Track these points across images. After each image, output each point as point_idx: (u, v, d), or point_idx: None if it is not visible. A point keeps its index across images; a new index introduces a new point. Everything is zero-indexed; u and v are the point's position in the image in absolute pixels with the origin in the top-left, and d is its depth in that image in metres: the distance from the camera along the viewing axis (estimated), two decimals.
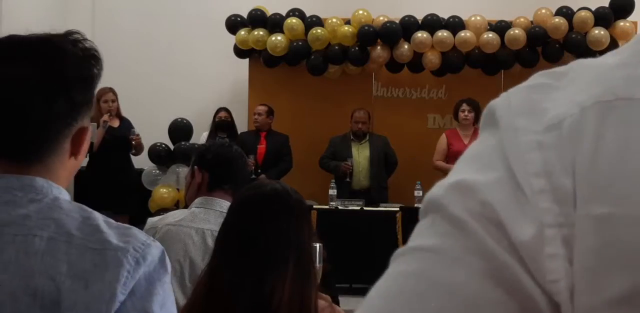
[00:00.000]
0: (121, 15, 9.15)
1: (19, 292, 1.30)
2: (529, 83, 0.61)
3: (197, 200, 2.75)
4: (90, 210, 1.39)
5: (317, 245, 2.23)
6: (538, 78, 0.62)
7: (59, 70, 1.36)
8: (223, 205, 2.66)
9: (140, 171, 7.85)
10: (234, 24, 8.52)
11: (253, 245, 2.02)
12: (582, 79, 0.59)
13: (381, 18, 8.35)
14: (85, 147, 1.43)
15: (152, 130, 7.83)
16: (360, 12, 8.40)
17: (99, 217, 1.38)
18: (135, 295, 1.32)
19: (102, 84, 1.50)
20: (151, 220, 2.78)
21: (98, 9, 9.29)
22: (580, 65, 0.61)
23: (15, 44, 1.38)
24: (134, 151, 7.62)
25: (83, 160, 1.47)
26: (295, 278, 1.99)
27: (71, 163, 1.43)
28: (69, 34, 1.41)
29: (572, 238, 0.53)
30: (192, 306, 2.01)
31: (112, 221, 1.40)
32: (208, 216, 2.68)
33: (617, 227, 0.51)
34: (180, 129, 7.92)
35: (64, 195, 1.40)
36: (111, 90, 7.38)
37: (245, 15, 8.51)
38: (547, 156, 0.55)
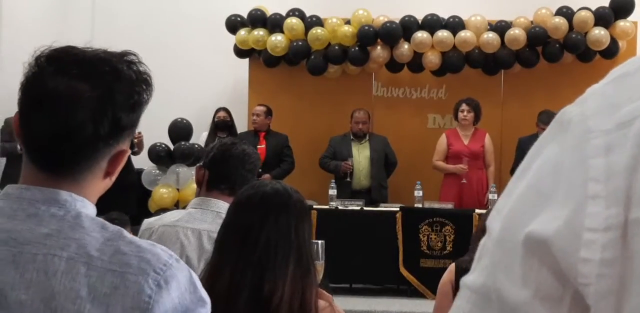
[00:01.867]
0: (121, 15, 9.14)
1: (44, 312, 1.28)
2: (605, 80, 0.61)
3: (194, 201, 2.75)
4: (112, 227, 1.37)
5: (320, 242, 2.23)
6: (613, 72, 0.61)
7: (110, 90, 1.35)
8: (220, 205, 2.66)
9: (140, 171, 7.84)
10: (234, 24, 8.53)
11: (253, 244, 2.02)
12: None
13: (381, 18, 8.35)
14: (120, 168, 1.43)
15: (152, 130, 7.82)
16: (360, 12, 8.40)
17: (121, 235, 1.35)
18: None
19: None
20: (147, 221, 2.78)
21: (98, 9, 9.29)
22: None
23: (73, 57, 1.38)
24: (135, 149, 7.59)
25: (113, 180, 1.46)
26: (295, 278, 1.99)
27: (104, 183, 1.43)
28: (125, 54, 1.41)
29: (626, 241, 0.52)
30: None
31: (135, 238, 1.36)
32: (204, 216, 2.67)
33: None
34: (180, 129, 7.90)
35: (88, 209, 1.38)
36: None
37: (245, 15, 8.51)
38: (611, 160, 0.54)
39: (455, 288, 2.92)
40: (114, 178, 1.43)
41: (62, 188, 1.36)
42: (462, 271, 2.92)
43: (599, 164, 0.55)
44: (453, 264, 3.11)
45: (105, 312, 1.27)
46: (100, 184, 1.42)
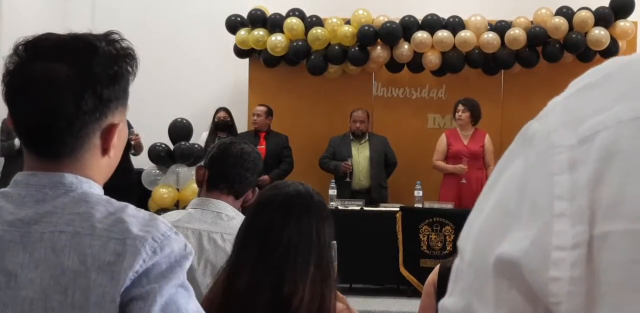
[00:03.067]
0: (121, 15, 9.13)
1: (50, 290, 1.32)
2: (567, 92, 0.61)
3: (194, 201, 2.74)
4: (117, 203, 1.40)
5: (333, 243, 2.23)
6: (574, 84, 0.61)
7: (87, 65, 1.38)
8: (220, 206, 2.64)
9: (140, 171, 7.84)
10: (234, 24, 8.52)
11: (274, 244, 2.01)
12: (621, 79, 0.58)
13: (381, 18, 8.35)
14: (117, 143, 1.45)
15: (152, 130, 7.82)
16: (360, 12, 8.40)
17: (125, 208, 1.39)
18: (149, 277, 1.32)
19: None
20: None
21: (98, 9, 9.29)
22: (618, 63, 0.60)
23: (48, 41, 1.41)
24: (133, 151, 7.61)
25: (118, 159, 1.49)
26: (315, 280, 1.98)
27: (105, 161, 1.45)
28: (108, 34, 1.44)
29: (591, 257, 0.52)
30: (210, 303, 2.00)
31: (141, 211, 1.40)
32: (204, 217, 2.66)
33: None
34: (180, 129, 7.90)
35: (94, 189, 1.42)
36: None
37: (245, 15, 8.51)
38: (575, 177, 0.54)
39: (438, 288, 2.93)
40: (113, 154, 1.45)
41: (66, 171, 1.40)
42: (446, 271, 2.92)
43: (563, 181, 0.55)
44: (438, 265, 3.12)
45: (111, 279, 1.31)
46: (101, 162, 1.44)
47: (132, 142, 7.44)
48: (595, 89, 0.59)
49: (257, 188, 2.70)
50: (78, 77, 1.37)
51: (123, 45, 1.44)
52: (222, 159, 2.69)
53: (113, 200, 1.41)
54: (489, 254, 0.57)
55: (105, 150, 1.43)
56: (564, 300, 0.53)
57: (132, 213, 1.38)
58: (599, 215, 0.53)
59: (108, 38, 1.43)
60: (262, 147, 7.87)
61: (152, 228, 1.36)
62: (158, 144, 7.76)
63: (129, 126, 7.57)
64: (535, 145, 0.58)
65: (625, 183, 0.52)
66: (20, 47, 1.41)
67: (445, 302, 0.61)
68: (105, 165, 1.46)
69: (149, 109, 8.51)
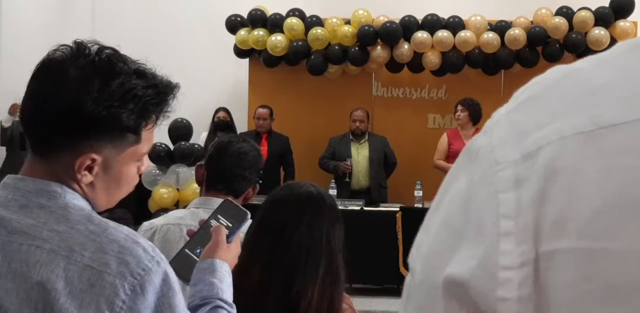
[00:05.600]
0: (121, 15, 9.14)
1: (23, 303, 1.30)
2: (511, 104, 0.59)
3: (196, 201, 2.73)
4: (99, 220, 1.38)
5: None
6: (518, 95, 0.59)
7: (86, 89, 1.37)
8: None
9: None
10: (234, 24, 8.53)
11: (286, 244, 2.01)
12: (563, 92, 0.56)
13: (381, 18, 8.35)
14: (98, 178, 1.42)
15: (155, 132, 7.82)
16: (360, 12, 8.40)
17: (106, 229, 1.36)
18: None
19: None
20: (146, 222, 2.75)
21: (98, 10, 9.29)
22: (560, 73, 0.58)
23: (105, 54, 1.42)
24: None
25: (109, 198, 1.47)
26: (325, 284, 1.98)
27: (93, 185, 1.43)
28: (163, 81, 1.48)
29: (538, 276, 0.52)
30: None
31: (122, 231, 1.37)
32: (207, 215, 2.65)
33: (596, 261, 0.50)
34: (180, 129, 7.89)
35: (79, 201, 1.40)
36: None
37: (245, 15, 8.51)
38: (520, 194, 0.53)
39: None
40: (99, 186, 1.42)
41: (57, 176, 1.39)
42: None
43: (509, 199, 0.54)
44: None
45: (79, 307, 1.28)
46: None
47: None
48: (538, 102, 0.57)
49: (257, 185, 2.69)
50: (70, 94, 1.36)
51: (129, 68, 1.42)
52: (218, 160, 2.67)
53: (95, 217, 1.38)
54: (438, 274, 0.56)
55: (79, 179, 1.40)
56: None
57: (113, 236, 1.35)
58: (545, 233, 0.52)
59: (154, 78, 1.44)
60: (263, 149, 7.87)
61: (132, 259, 1.33)
62: (158, 144, 7.76)
63: None
64: (480, 161, 0.57)
65: (569, 200, 0.51)
66: (58, 49, 1.41)
67: None
68: (95, 189, 1.43)
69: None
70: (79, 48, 1.40)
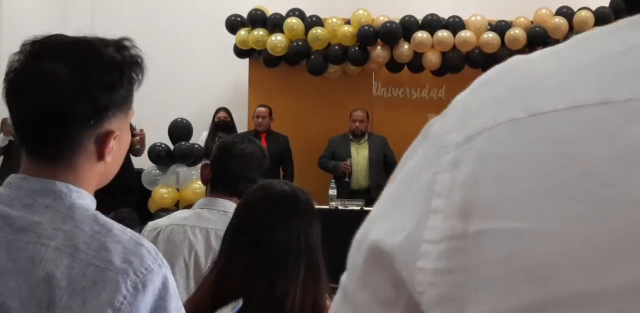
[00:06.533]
0: (121, 15, 9.14)
1: (27, 301, 1.30)
2: (467, 89, 0.62)
3: (200, 201, 2.72)
4: (104, 220, 1.38)
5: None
6: (475, 81, 0.62)
7: (83, 70, 1.37)
8: (226, 204, 2.63)
9: (140, 171, 7.84)
10: (234, 24, 8.53)
11: (265, 247, 2.00)
12: (508, 79, 0.59)
13: (381, 18, 8.35)
14: (116, 150, 1.44)
15: (152, 130, 7.83)
16: (360, 12, 8.40)
17: (111, 231, 1.37)
18: None
19: None
20: (152, 222, 2.75)
21: (98, 10, 9.29)
22: (511, 62, 0.61)
23: (52, 42, 1.40)
24: (138, 146, 7.52)
25: (117, 166, 1.48)
26: (307, 283, 1.98)
27: (100, 166, 1.43)
28: (119, 40, 1.43)
29: (463, 253, 0.54)
30: (201, 303, 2.00)
31: (126, 233, 1.38)
32: (212, 216, 2.65)
33: (520, 242, 0.52)
34: (180, 129, 7.89)
35: (85, 200, 1.40)
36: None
37: (245, 15, 8.51)
38: (455, 175, 0.56)
39: None
40: (110, 161, 1.44)
41: (59, 175, 1.39)
42: None
43: (444, 179, 0.56)
44: None
45: (82, 304, 1.29)
46: (96, 168, 1.43)
47: (137, 138, 7.39)
48: (486, 88, 0.60)
49: None
50: (74, 80, 1.36)
51: (132, 52, 1.43)
52: (223, 161, 2.66)
53: (100, 217, 1.39)
54: (368, 238, 0.59)
55: (100, 156, 1.42)
56: (427, 290, 0.55)
57: (117, 237, 1.36)
58: (475, 213, 0.54)
59: (117, 45, 1.42)
60: None
61: (136, 258, 1.34)
62: (158, 144, 7.76)
63: (131, 127, 7.55)
64: (431, 142, 0.60)
65: (499, 183, 0.53)
66: (26, 46, 1.40)
67: (342, 277, 0.65)
68: (101, 170, 1.44)
69: (149, 109, 8.52)
70: (37, 50, 1.40)
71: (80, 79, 1.36)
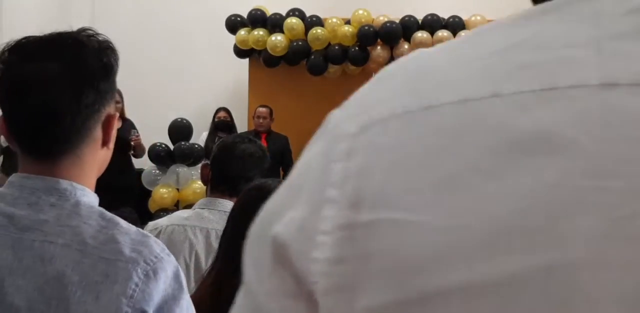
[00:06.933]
0: (121, 15, 9.13)
1: (35, 299, 1.30)
2: (369, 82, 0.63)
3: (201, 201, 2.72)
4: (110, 216, 1.39)
5: None
6: (378, 74, 0.63)
7: (82, 61, 1.39)
8: (226, 205, 2.62)
9: (140, 171, 7.83)
10: (234, 24, 8.52)
11: None
12: (405, 72, 0.60)
13: (381, 18, 8.35)
14: (114, 133, 1.47)
15: (152, 130, 7.82)
16: (360, 12, 8.40)
17: (117, 224, 1.37)
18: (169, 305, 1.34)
19: None
20: (152, 222, 2.75)
21: (98, 9, 9.28)
22: (412, 55, 0.61)
23: (33, 42, 1.40)
24: (132, 152, 7.52)
25: (112, 151, 1.50)
26: None
27: (103, 153, 1.46)
28: (83, 29, 1.45)
29: (356, 243, 0.54)
30: (200, 303, 2.00)
31: (131, 227, 1.39)
32: (212, 216, 2.64)
33: (407, 233, 0.52)
34: (180, 129, 7.89)
35: (89, 197, 1.41)
36: (117, 91, 7.30)
37: (245, 15, 8.51)
38: (348, 165, 0.56)
39: None
40: (111, 146, 1.46)
41: (62, 172, 1.39)
42: None
43: (338, 169, 0.56)
44: None
45: (96, 298, 1.30)
46: (99, 155, 1.45)
47: (132, 143, 7.40)
48: (385, 80, 0.61)
49: None
50: (73, 73, 1.37)
51: (100, 39, 1.44)
52: (223, 161, 2.65)
53: (105, 213, 1.40)
54: (269, 231, 0.59)
55: (105, 142, 1.44)
56: (319, 280, 0.55)
57: (125, 229, 1.37)
58: (365, 204, 0.54)
59: (87, 33, 1.44)
60: None
61: (144, 248, 1.35)
62: (158, 144, 7.75)
63: (132, 127, 7.57)
64: (328, 133, 0.61)
65: (388, 176, 0.54)
66: (5, 52, 1.39)
67: (244, 273, 0.65)
68: (103, 157, 1.46)
69: (149, 109, 8.51)
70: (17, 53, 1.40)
71: (78, 70, 1.37)
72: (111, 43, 1.46)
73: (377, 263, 0.53)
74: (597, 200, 0.48)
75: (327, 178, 0.57)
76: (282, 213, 0.59)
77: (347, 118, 0.60)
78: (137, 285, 1.31)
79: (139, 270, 1.32)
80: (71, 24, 1.50)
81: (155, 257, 1.35)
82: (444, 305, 0.50)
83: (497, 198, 0.50)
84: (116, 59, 1.45)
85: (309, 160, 0.61)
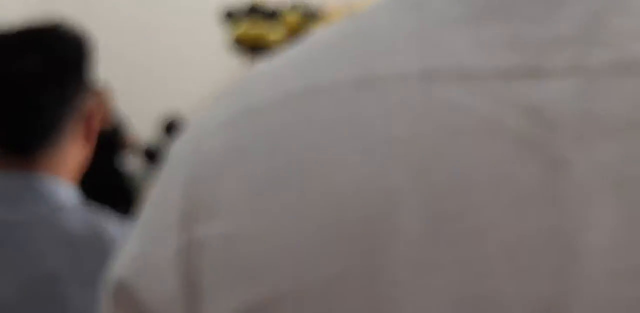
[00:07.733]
0: (114, 10, 9.22)
1: (26, 297, 1.30)
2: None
3: None
4: (94, 209, 1.39)
5: None
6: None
7: (61, 54, 1.38)
8: None
9: (132, 170, 7.85)
10: (231, 19, 8.60)
11: None
12: (245, 82, 0.59)
13: None
14: (96, 127, 1.44)
15: (146, 127, 7.89)
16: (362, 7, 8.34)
17: (103, 217, 1.38)
18: None
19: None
20: None
21: (91, 2, 9.26)
22: (304, 43, 0.59)
23: (14, 35, 1.39)
24: (124, 149, 7.61)
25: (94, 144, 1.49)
26: None
27: (84, 147, 1.44)
28: (60, 23, 1.43)
29: (191, 262, 0.52)
30: None
31: (119, 220, 1.40)
32: None
33: (235, 244, 0.51)
34: (174, 126, 7.91)
35: (70, 192, 1.40)
36: (107, 87, 7.48)
37: (242, 10, 8.57)
38: (185, 183, 0.54)
39: None
40: (93, 140, 1.45)
41: (43, 168, 1.39)
42: None
43: (176, 196, 0.54)
44: None
45: (93, 291, 1.31)
46: (81, 150, 1.44)
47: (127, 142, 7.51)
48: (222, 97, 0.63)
49: None
50: (52, 66, 1.37)
51: (78, 31, 1.43)
52: None
53: (89, 207, 1.40)
54: (113, 275, 0.56)
55: (87, 136, 1.43)
56: (166, 309, 0.53)
57: (111, 221, 1.38)
58: (198, 219, 0.52)
59: (65, 26, 1.43)
60: None
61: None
62: (152, 142, 7.84)
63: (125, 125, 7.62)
64: (169, 158, 0.59)
65: (218, 186, 0.52)
66: None
67: None
68: (84, 151, 1.45)
69: (143, 106, 8.59)
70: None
71: (58, 63, 1.37)
72: (88, 36, 1.44)
73: (215, 279, 0.51)
74: (415, 198, 0.47)
75: (166, 205, 0.55)
76: (125, 253, 0.56)
77: (184, 134, 0.59)
78: None
79: None
80: (58, 18, 1.46)
81: None
82: None
83: (318, 198, 0.49)
84: (94, 53, 1.44)
85: (152, 195, 0.58)
